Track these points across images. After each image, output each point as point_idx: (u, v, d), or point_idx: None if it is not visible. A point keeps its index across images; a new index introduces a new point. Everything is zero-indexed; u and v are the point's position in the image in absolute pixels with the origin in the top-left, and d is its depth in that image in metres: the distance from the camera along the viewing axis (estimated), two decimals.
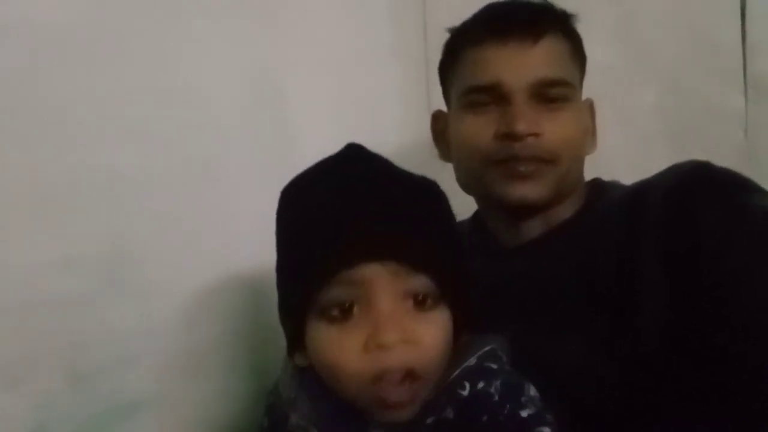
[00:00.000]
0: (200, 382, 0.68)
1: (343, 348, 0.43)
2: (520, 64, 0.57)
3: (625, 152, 0.85)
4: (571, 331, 0.52)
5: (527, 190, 0.58)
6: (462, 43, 0.62)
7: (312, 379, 0.48)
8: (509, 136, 0.57)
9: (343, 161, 0.47)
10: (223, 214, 0.71)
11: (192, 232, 0.68)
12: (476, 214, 0.68)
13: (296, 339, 0.47)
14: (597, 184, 0.64)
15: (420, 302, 0.45)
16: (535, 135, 0.57)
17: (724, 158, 0.55)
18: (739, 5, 0.87)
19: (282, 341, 0.51)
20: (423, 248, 0.44)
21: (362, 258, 0.43)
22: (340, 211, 0.44)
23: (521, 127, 0.56)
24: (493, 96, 0.58)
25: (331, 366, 0.44)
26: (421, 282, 0.44)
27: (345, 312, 0.44)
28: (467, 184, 0.64)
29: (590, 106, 0.65)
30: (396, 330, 0.43)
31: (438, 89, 0.69)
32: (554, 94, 0.58)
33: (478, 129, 0.59)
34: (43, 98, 0.54)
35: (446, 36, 0.66)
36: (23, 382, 0.53)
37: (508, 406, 0.45)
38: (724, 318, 0.47)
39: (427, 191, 0.48)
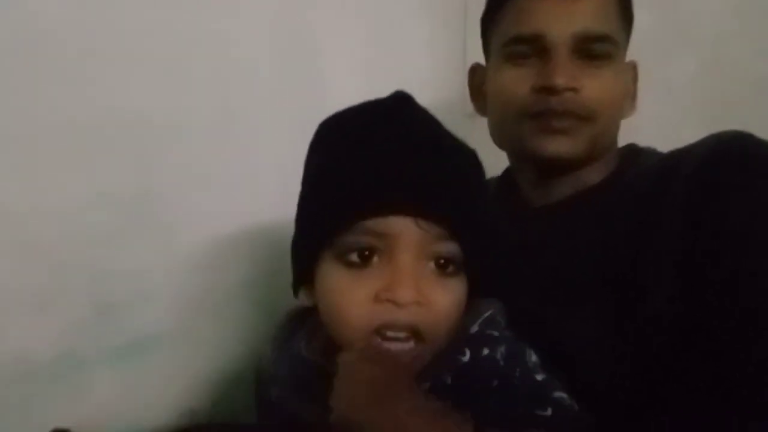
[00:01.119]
0: (217, 320, 0.70)
1: (353, 294, 0.43)
2: (565, 17, 0.56)
3: (661, 124, 0.82)
4: (583, 308, 0.51)
5: (561, 146, 0.56)
6: None
7: (294, 356, 0.49)
8: (547, 90, 0.55)
9: (395, 109, 0.46)
10: (249, 162, 0.71)
11: (217, 176, 0.68)
12: (507, 171, 0.68)
13: (304, 275, 0.47)
14: (631, 149, 0.62)
15: (441, 266, 0.44)
16: (574, 90, 0.55)
17: None
18: None
19: None
20: (461, 216, 0.43)
21: (397, 210, 0.42)
22: (386, 159, 0.43)
23: (560, 80, 0.55)
24: (535, 48, 0.57)
25: (337, 309, 0.44)
26: (449, 248, 0.44)
27: (364, 259, 0.43)
28: (501, 138, 0.63)
29: (633, 68, 0.63)
30: (413, 289, 0.42)
31: (476, 43, 0.67)
32: (597, 50, 0.56)
33: (517, 81, 0.57)
34: (72, 41, 0.54)
35: None
36: (53, 308, 0.55)
37: (518, 369, 0.44)
38: (730, 311, 0.46)
39: (470, 158, 0.47)
